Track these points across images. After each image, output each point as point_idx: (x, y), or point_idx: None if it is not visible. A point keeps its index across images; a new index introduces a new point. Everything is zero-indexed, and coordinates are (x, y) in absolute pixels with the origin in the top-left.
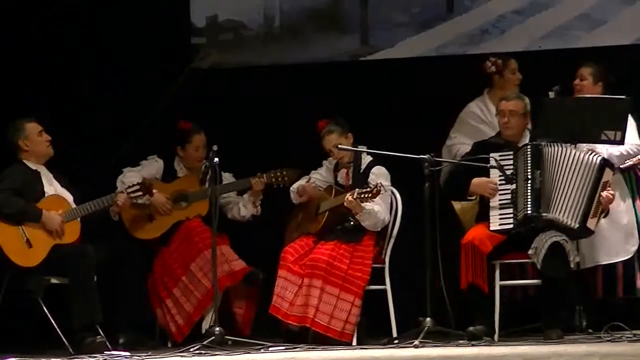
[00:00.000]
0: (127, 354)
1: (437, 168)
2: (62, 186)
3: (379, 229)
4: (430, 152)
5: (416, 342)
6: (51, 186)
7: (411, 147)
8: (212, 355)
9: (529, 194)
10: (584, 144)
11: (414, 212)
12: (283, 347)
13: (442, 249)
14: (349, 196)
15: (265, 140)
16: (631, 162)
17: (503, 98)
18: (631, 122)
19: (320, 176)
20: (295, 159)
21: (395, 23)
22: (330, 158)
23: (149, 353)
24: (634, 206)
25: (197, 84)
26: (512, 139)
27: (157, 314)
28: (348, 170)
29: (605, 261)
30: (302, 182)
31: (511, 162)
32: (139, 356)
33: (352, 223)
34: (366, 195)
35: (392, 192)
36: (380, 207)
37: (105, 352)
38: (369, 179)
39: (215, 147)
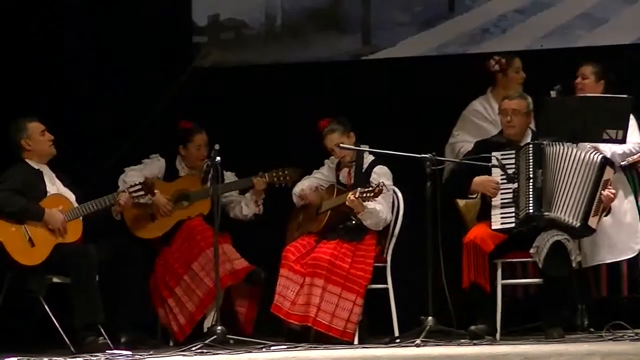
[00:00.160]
0: (129, 353)
1: (439, 167)
2: (64, 185)
3: (381, 228)
4: (431, 151)
5: (418, 341)
6: (53, 185)
7: (413, 146)
8: (214, 354)
9: (530, 193)
10: (587, 143)
11: (415, 212)
12: (285, 346)
13: (444, 248)
14: (351, 195)
15: (266, 139)
16: (631, 159)
17: (506, 97)
18: (633, 121)
19: (322, 175)
20: (296, 159)
21: (397, 22)
22: (332, 157)
23: (151, 352)
24: (637, 204)
25: (198, 83)
26: (515, 138)
27: (159, 313)
28: (350, 169)
29: (610, 260)
30: (303, 182)
31: (513, 161)
32: (141, 355)
33: (354, 222)
34: (368, 195)
35: (394, 192)
36: (382, 206)
37: (107, 352)
38: (370, 178)
39: (217, 146)
